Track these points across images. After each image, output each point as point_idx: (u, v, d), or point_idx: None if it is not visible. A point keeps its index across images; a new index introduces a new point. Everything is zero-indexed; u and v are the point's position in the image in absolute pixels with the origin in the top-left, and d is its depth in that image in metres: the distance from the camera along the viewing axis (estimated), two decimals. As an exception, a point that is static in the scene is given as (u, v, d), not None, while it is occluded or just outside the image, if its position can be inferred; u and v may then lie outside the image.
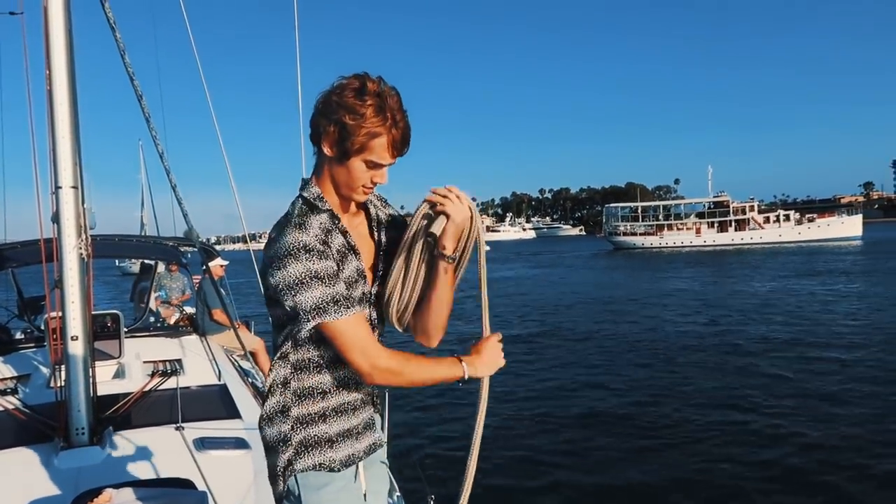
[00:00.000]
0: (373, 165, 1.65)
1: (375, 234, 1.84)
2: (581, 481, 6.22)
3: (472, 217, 1.74)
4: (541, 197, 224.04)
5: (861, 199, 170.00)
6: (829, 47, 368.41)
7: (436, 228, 1.71)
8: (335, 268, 1.63)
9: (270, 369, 1.77)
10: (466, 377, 1.72)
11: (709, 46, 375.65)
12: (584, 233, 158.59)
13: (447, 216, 1.70)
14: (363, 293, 1.74)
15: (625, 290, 25.72)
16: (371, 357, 1.62)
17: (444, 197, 1.71)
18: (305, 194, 1.71)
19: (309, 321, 1.59)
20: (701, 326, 15.46)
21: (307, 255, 1.58)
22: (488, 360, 1.77)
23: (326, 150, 1.66)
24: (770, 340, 13.23)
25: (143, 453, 3.38)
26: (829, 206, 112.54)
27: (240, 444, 3.48)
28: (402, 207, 2.07)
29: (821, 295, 20.83)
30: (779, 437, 7.32)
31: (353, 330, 1.61)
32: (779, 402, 8.73)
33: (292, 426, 1.70)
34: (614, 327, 15.90)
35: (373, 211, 1.86)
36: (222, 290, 5.99)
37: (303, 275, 1.57)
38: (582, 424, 8.07)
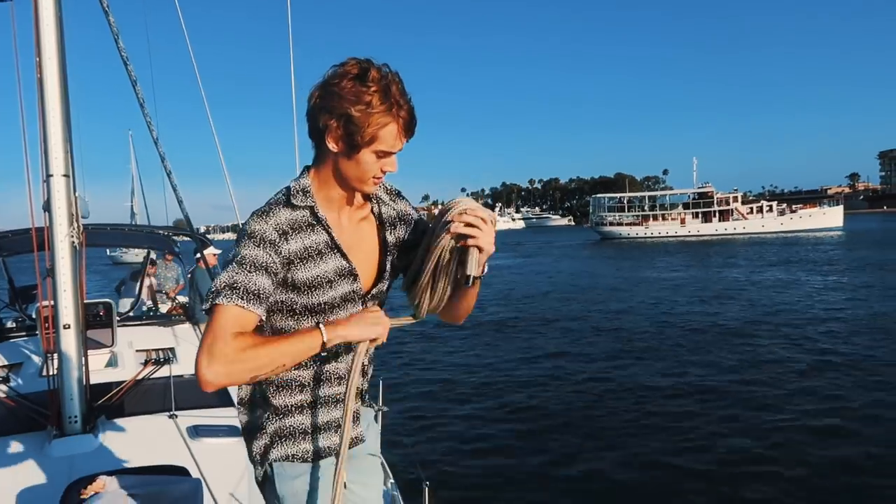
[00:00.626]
0: (383, 155, 1.56)
1: (381, 232, 1.77)
2: (542, 472, 6.30)
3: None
4: (530, 187, 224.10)
5: (847, 190, 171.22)
6: (818, 42, 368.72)
7: (473, 269, 1.58)
8: (268, 261, 1.51)
9: None
10: (326, 340, 1.51)
11: (701, 38, 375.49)
12: (573, 223, 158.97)
13: (479, 249, 1.58)
14: (350, 292, 1.67)
15: (600, 279, 26.28)
16: (210, 350, 1.41)
17: (473, 226, 1.56)
18: (293, 183, 1.63)
19: (205, 301, 1.49)
20: (662, 313, 16.02)
21: (247, 242, 1.52)
22: (357, 322, 1.57)
23: (332, 146, 1.56)
24: (727, 326, 13.81)
25: (136, 441, 3.39)
26: (815, 197, 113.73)
27: (233, 431, 3.49)
28: (426, 198, 1.96)
29: (786, 282, 21.73)
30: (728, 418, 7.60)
31: (222, 318, 1.44)
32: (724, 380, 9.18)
33: (269, 415, 1.69)
34: (583, 314, 16.43)
35: (376, 208, 1.77)
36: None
37: (232, 257, 1.52)
38: (530, 412, 8.24)
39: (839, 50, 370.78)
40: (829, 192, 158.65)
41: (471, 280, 1.60)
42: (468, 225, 1.57)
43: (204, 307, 1.51)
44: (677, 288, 21.38)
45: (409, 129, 1.56)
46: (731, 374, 9.65)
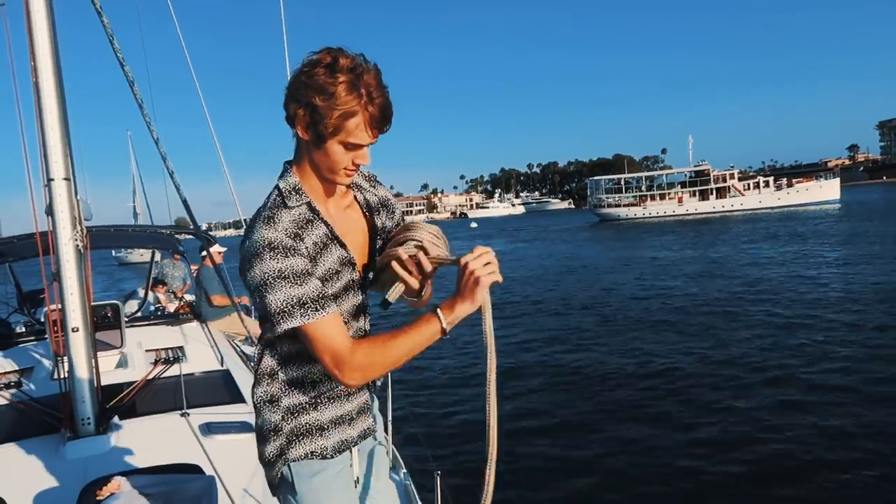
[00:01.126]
0: (352, 147, 1.54)
1: (367, 217, 1.78)
2: (554, 458, 6.30)
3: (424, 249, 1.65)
4: (529, 171, 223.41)
5: (847, 161, 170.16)
6: (815, 14, 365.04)
7: (390, 294, 1.66)
8: (304, 265, 1.53)
9: (261, 357, 1.72)
10: (446, 326, 1.53)
11: (700, 11, 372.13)
12: (572, 206, 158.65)
13: (404, 283, 1.65)
14: (350, 280, 1.68)
15: (592, 260, 26.60)
16: (341, 362, 1.51)
17: (409, 260, 1.63)
18: (282, 185, 1.61)
19: (276, 325, 1.52)
20: (644, 291, 16.37)
21: (271, 254, 1.49)
22: (467, 290, 1.51)
23: (301, 135, 1.56)
24: (701, 301, 14.22)
25: (149, 441, 3.42)
26: (815, 171, 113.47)
27: (245, 427, 3.51)
28: (391, 187, 2.02)
29: (771, 256, 22.31)
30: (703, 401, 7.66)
31: (322, 333, 1.51)
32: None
33: (283, 415, 1.68)
34: (571, 294, 16.87)
35: (359, 195, 1.78)
36: (224, 275, 5.99)
37: (266, 276, 1.49)
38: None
39: (836, 19, 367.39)
40: (830, 164, 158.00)
41: (386, 305, 1.67)
42: (409, 257, 1.63)
43: (277, 330, 1.53)
44: (664, 266, 21.86)
45: (377, 122, 1.53)
46: (702, 352, 9.79)
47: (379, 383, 1.92)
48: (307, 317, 1.50)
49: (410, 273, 1.64)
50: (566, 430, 6.91)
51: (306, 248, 1.56)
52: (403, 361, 1.56)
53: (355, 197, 1.78)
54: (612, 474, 5.80)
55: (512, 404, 7.73)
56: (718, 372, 8.63)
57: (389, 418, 3.61)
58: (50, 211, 3.39)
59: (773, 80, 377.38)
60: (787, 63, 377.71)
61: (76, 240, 3.42)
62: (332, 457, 1.71)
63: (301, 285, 1.50)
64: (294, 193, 1.60)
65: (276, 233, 1.51)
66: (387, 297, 1.66)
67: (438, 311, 1.53)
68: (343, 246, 1.65)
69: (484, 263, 1.51)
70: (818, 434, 6.29)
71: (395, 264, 1.64)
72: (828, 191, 64.16)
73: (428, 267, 1.63)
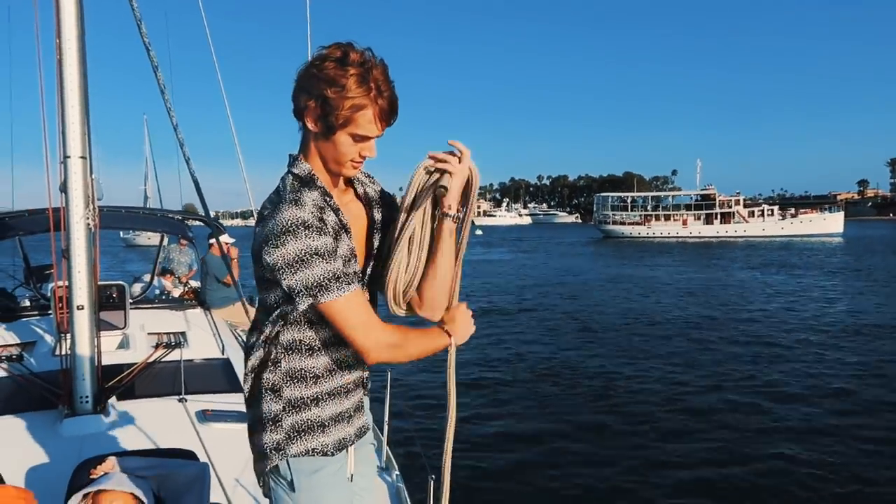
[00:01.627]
0: (360, 139, 1.57)
1: (367, 211, 1.79)
2: (546, 462, 6.37)
3: (472, 178, 1.72)
4: (539, 183, 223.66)
5: (856, 196, 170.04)
6: (828, 47, 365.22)
7: (445, 182, 1.67)
8: (333, 244, 1.57)
9: (253, 347, 1.71)
10: (453, 344, 1.72)
11: (712, 43, 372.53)
12: (579, 220, 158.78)
13: (450, 173, 1.67)
14: (354, 273, 1.67)
15: (585, 275, 26.75)
16: (373, 333, 1.58)
17: (445, 158, 1.68)
18: (296, 171, 1.64)
19: (310, 299, 1.53)
20: (631, 308, 16.59)
21: (306, 232, 1.51)
22: (463, 326, 1.75)
23: (310, 126, 1.59)
24: (695, 323, 14.36)
25: (145, 423, 3.43)
26: (824, 202, 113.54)
27: (241, 417, 3.49)
28: (400, 189, 2.03)
29: (759, 283, 22.60)
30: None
31: (355, 306, 1.57)
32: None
33: (284, 407, 1.67)
34: (558, 306, 17.15)
35: (360, 189, 1.80)
36: (229, 264, 5.99)
37: (303, 252, 1.50)
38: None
39: (850, 54, 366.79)
40: (839, 197, 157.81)
41: (444, 191, 1.67)
42: (439, 160, 1.68)
43: (307, 303, 1.56)
44: (656, 286, 22.18)
45: (386, 115, 1.58)
46: (667, 367, 10.11)
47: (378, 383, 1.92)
48: (342, 290, 1.55)
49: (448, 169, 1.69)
50: (533, 438, 6.99)
51: (329, 230, 1.59)
52: (416, 357, 1.66)
53: (355, 191, 1.80)
54: (596, 483, 5.82)
55: (478, 412, 7.90)
56: (680, 386, 8.95)
57: (386, 419, 3.61)
58: (64, 188, 3.41)
59: (787, 108, 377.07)
60: (800, 92, 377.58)
61: (88, 218, 3.44)
62: (332, 454, 1.70)
63: (334, 262, 1.55)
64: (309, 179, 1.63)
65: (307, 213, 1.54)
66: (442, 184, 1.68)
67: (449, 332, 1.73)
68: (350, 235, 1.67)
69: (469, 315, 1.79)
70: (790, 459, 6.35)
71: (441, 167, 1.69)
72: (831, 223, 64.24)
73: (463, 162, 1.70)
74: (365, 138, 1.58)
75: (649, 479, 5.86)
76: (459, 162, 1.68)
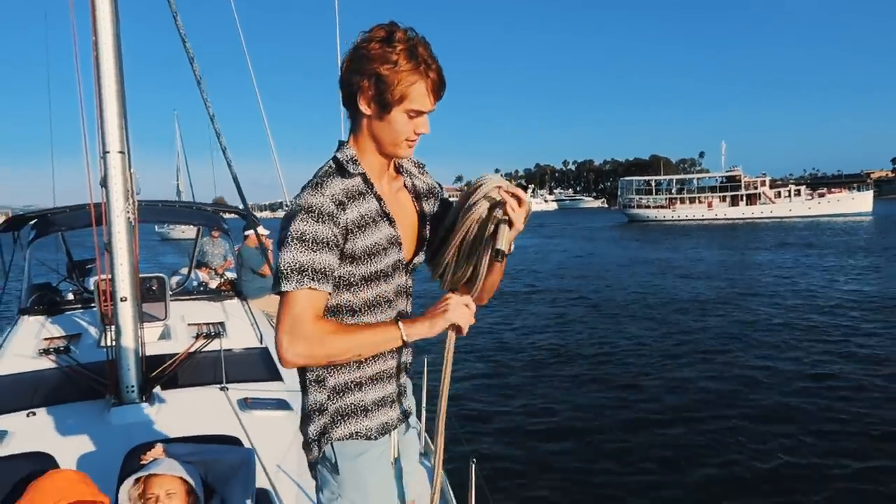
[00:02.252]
0: (414, 114, 1.59)
1: (416, 203, 1.80)
2: (589, 450, 6.33)
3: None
4: (564, 168, 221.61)
5: (890, 174, 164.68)
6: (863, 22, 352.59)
7: (503, 244, 1.60)
8: (331, 236, 1.54)
9: None
10: (405, 338, 1.60)
11: (740, 18, 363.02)
12: (605, 205, 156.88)
13: (510, 224, 1.60)
14: (397, 260, 1.69)
15: (606, 258, 26.95)
16: (296, 328, 1.49)
17: (514, 208, 1.59)
18: (339, 155, 1.65)
19: (276, 284, 1.53)
20: (650, 292, 16.68)
21: (302, 216, 1.53)
22: (433, 316, 1.62)
23: (364, 108, 1.59)
24: (711, 302, 14.57)
25: (189, 412, 3.51)
26: (856, 181, 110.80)
27: (281, 405, 3.58)
28: (459, 178, 1.97)
29: (778, 264, 22.49)
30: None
31: (298, 300, 1.51)
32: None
33: (329, 395, 1.69)
34: (575, 287, 17.60)
35: (409, 181, 1.81)
36: (266, 254, 6.06)
37: (289, 235, 1.52)
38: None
39: (886, 27, 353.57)
40: (873, 175, 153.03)
41: (499, 255, 1.61)
42: (510, 195, 1.60)
43: (274, 290, 1.55)
44: (670, 269, 22.20)
45: (437, 87, 1.59)
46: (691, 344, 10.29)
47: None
48: (297, 283, 1.50)
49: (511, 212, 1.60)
50: (556, 428, 6.92)
51: (348, 219, 1.58)
52: (352, 355, 1.59)
53: (405, 182, 1.80)
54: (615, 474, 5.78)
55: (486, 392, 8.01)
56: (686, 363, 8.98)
57: (423, 403, 3.63)
58: (104, 183, 3.48)
59: (819, 85, 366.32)
60: (834, 68, 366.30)
61: (128, 212, 3.51)
62: (375, 438, 1.72)
63: (313, 253, 1.52)
64: (351, 162, 1.64)
65: (320, 198, 1.55)
66: (499, 247, 1.60)
67: (400, 322, 1.61)
68: (392, 224, 1.67)
69: (463, 304, 1.63)
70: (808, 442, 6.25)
71: (503, 215, 1.61)
72: (860, 202, 62.99)
73: (523, 199, 1.62)
74: (419, 113, 1.59)
75: (682, 472, 5.74)
76: (520, 206, 1.60)
